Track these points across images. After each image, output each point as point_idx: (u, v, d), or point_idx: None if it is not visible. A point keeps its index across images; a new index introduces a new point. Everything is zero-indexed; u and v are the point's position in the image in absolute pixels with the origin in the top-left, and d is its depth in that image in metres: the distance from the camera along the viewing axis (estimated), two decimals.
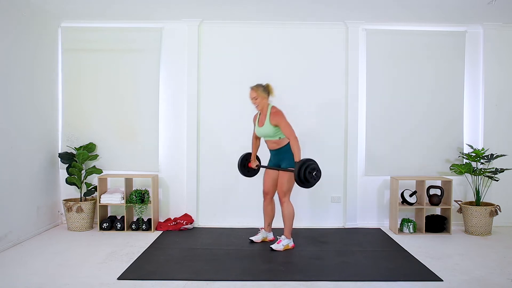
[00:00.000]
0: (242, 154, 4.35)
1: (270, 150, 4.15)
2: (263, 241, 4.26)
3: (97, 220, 4.74)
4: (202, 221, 5.00)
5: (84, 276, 3.26)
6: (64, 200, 4.72)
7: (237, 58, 4.98)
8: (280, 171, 4.02)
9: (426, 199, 4.74)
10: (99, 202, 4.69)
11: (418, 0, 4.23)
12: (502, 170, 4.64)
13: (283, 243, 3.99)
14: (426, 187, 4.75)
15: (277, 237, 4.18)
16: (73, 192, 4.96)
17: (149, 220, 4.76)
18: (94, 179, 4.96)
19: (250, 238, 4.27)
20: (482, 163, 4.77)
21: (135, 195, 4.69)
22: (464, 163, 4.87)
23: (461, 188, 5.01)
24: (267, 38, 4.98)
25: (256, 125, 4.14)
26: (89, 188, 4.82)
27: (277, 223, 4.36)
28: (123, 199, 4.73)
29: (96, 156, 4.94)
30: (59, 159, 4.81)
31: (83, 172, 4.81)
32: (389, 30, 4.97)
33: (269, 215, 4.27)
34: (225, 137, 4.98)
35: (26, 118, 4.33)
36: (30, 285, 3.09)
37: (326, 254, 3.89)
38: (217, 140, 4.99)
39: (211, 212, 5.00)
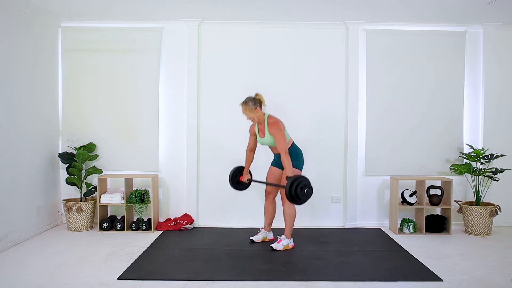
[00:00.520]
0: (233, 168, 4.34)
1: (274, 154, 4.18)
2: (263, 241, 4.27)
3: (97, 220, 4.74)
4: (202, 221, 5.00)
5: (84, 276, 3.26)
6: (64, 200, 4.72)
7: (237, 58, 4.98)
8: (284, 171, 4.02)
9: (426, 199, 4.74)
10: (99, 202, 4.69)
11: (418, 0, 4.23)
12: (502, 170, 4.64)
13: (283, 243, 3.99)
14: (426, 187, 4.75)
15: (277, 236, 4.18)
16: (73, 192, 4.96)
17: (149, 220, 4.76)
18: (94, 179, 4.96)
19: (251, 238, 4.27)
20: (482, 163, 4.77)
21: (135, 195, 4.69)
22: (464, 163, 4.87)
23: (461, 188, 5.01)
24: (267, 38, 4.98)
25: (257, 135, 4.13)
26: (89, 188, 4.82)
27: (278, 223, 4.36)
28: (123, 199, 4.73)
29: (96, 156, 4.94)
30: (59, 159, 4.81)
31: (83, 172, 4.81)
32: (389, 30, 4.97)
33: (270, 215, 4.27)
34: (225, 137, 4.98)
35: (26, 118, 4.33)
36: (30, 285, 3.09)
37: (326, 254, 3.89)
38: (217, 140, 4.99)
39: (211, 212, 5.00)
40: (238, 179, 4.32)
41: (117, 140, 4.97)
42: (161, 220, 4.94)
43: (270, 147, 4.16)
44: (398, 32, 4.98)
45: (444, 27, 4.99)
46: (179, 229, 4.70)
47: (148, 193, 4.77)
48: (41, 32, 4.62)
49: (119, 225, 4.65)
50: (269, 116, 4.02)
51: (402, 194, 4.80)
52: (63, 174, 4.89)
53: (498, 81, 5.00)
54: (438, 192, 4.88)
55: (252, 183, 4.36)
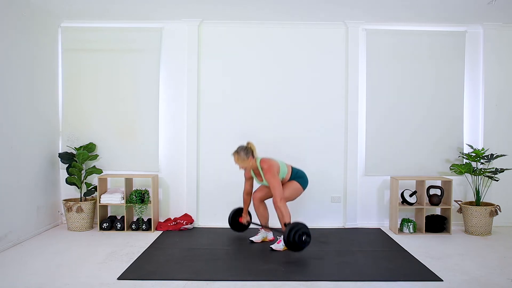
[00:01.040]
0: (232, 210, 4.46)
1: None
2: (263, 241, 4.27)
3: (97, 220, 4.74)
4: (202, 221, 5.00)
5: (84, 276, 3.26)
6: (64, 200, 4.72)
7: (237, 58, 4.98)
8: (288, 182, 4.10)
9: (426, 199, 4.74)
10: (99, 202, 4.69)
11: (418, 0, 4.23)
12: (502, 170, 4.64)
13: (283, 243, 3.99)
14: (426, 187, 4.75)
15: (277, 237, 4.18)
16: (73, 192, 4.96)
17: (149, 220, 4.76)
18: (94, 179, 4.96)
19: (250, 238, 4.27)
20: (482, 163, 4.77)
21: (135, 195, 4.69)
22: (464, 163, 4.87)
23: (461, 188, 5.02)
24: (267, 38, 4.98)
25: (255, 179, 4.19)
26: (89, 188, 4.82)
27: (277, 223, 4.36)
28: (123, 199, 4.73)
29: (96, 156, 4.94)
30: (59, 159, 4.81)
31: (83, 172, 4.81)
32: (389, 30, 4.97)
33: (262, 216, 4.28)
34: (225, 137, 4.97)
35: (26, 118, 4.33)
36: (30, 285, 3.09)
37: (326, 254, 3.89)
38: (217, 140, 4.99)
39: (211, 212, 5.00)
40: (238, 220, 4.44)
41: (117, 140, 4.97)
42: (161, 220, 4.94)
43: None
44: (398, 32, 4.98)
45: (444, 27, 4.99)
46: (179, 229, 4.70)
47: (148, 193, 4.77)
48: (41, 32, 4.62)
49: (119, 225, 4.65)
50: (262, 161, 4.01)
51: (402, 194, 4.80)
52: (63, 174, 4.89)
53: (498, 81, 5.00)
54: (438, 192, 4.88)
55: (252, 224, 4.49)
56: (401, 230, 4.73)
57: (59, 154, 4.76)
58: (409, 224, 4.68)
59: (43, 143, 4.67)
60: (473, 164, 4.86)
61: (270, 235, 4.33)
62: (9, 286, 3.09)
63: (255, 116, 4.96)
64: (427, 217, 4.73)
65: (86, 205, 4.66)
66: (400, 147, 4.98)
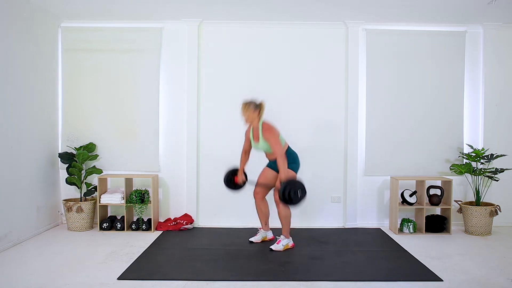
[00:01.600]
0: (228, 169, 4.35)
1: (269, 160, 4.17)
2: (263, 241, 4.27)
3: (97, 220, 4.74)
4: (202, 221, 5.00)
5: (84, 276, 3.26)
6: (64, 200, 4.72)
7: (237, 58, 4.98)
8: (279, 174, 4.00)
9: (426, 199, 4.74)
10: (99, 202, 4.69)
11: (418, 0, 4.23)
12: (502, 170, 4.64)
13: (282, 243, 3.99)
14: (426, 187, 4.75)
15: (277, 237, 4.18)
16: (73, 192, 4.96)
17: (149, 220, 4.76)
18: (94, 179, 4.96)
19: (250, 239, 4.27)
20: (482, 163, 4.77)
21: (135, 195, 4.69)
22: (464, 163, 4.87)
23: (461, 188, 5.02)
24: (267, 38, 4.98)
25: (252, 140, 4.14)
26: (89, 188, 4.82)
27: (276, 223, 4.36)
28: (123, 199, 4.73)
29: (96, 156, 4.94)
30: (59, 159, 4.81)
31: (83, 172, 4.81)
32: (389, 30, 4.97)
33: (263, 214, 4.26)
34: (225, 137, 4.97)
35: (26, 118, 4.33)
36: (30, 285, 3.09)
37: (326, 254, 3.89)
38: (217, 140, 4.99)
39: (211, 212, 5.00)
40: (233, 180, 4.34)
41: (117, 140, 4.97)
42: (161, 220, 4.94)
43: (266, 153, 4.14)
44: (398, 32, 4.98)
45: (444, 27, 4.99)
46: (179, 229, 4.70)
47: (148, 193, 4.77)
48: (41, 32, 4.62)
49: (119, 225, 4.65)
50: (263, 123, 4.01)
51: (402, 194, 4.80)
52: (63, 174, 4.89)
53: (498, 81, 5.00)
54: (438, 192, 4.88)
55: (247, 184, 4.38)
56: (401, 230, 4.73)
57: (59, 154, 4.76)
58: (409, 224, 4.68)
59: (43, 143, 4.67)
60: (473, 164, 4.86)
61: (269, 234, 4.33)
62: (9, 286, 3.09)
63: None
64: (427, 217, 4.73)
65: (86, 205, 4.66)
66: (400, 147, 4.98)
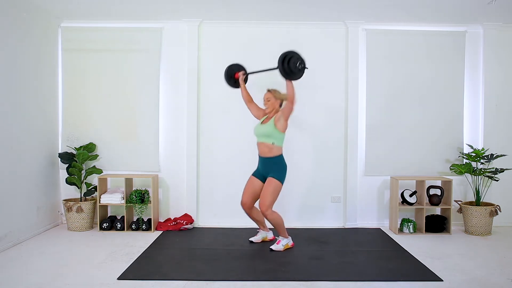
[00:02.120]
0: (228, 65, 4.35)
1: (259, 158, 4.09)
2: (263, 241, 4.27)
3: (97, 220, 4.74)
4: (202, 221, 5.00)
5: (84, 276, 3.26)
6: (64, 200, 4.72)
7: (237, 58, 4.96)
8: (266, 181, 3.96)
9: (426, 199, 4.74)
10: (99, 202, 4.69)
11: (418, 0, 4.23)
12: (502, 170, 4.64)
13: (282, 243, 3.99)
14: (426, 187, 4.75)
15: (276, 237, 4.17)
16: (73, 192, 4.96)
17: (149, 220, 4.76)
18: (94, 179, 4.96)
19: (250, 239, 4.27)
20: (482, 163, 4.77)
21: (135, 195, 4.69)
22: (464, 163, 4.87)
23: (461, 188, 5.02)
24: (267, 38, 4.98)
25: (259, 121, 4.14)
26: (89, 188, 4.82)
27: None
28: (123, 199, 4.73)
29: (96, 156, 4.94)
30: (59, 159, 4.81)
31: (83, 172, 4.81)
32: (389, 30, 4.97)
33: (256, 220, 4.24)
34: (225, 137, 4.98)
35: (26, 118, 4.33)
36: (30, 285, 3.09)
37: (326, 254, 3.89)
38: (217, 140, 4.99)
39: (211, 212, 5.00)
40: (234, 75, 4.33)
41: (117, 140, 4.97)
42: (161, 220, 4.94)
43: (259, 144, 4.05)
44: (398, 32, 4.98)
45: (444, 27, 4.99)
46: (179, 229, 4.70)
47: (148, 193, 4.77)
48: (41, 32, 4.62)
49: (119, 225, 4.65)
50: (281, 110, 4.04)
51: (402, 194, 4.80)
52: (63, 174, 4.89)
53: (498, 81, 5.00)
54: (438, 192, 4.88)
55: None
56: (401, 230, 4.73)
57: (59, 154, 4.76)
58: (409, 224, 4.68)
59: (43, 143, 4.67)
60: (473, 164, 4.86)
61: (270, 234, 4.33)
62: (9, 286, 3.09)
63: None
64: (427, 217, 4.73)
65: (86, 205, 4.66)
66: (400, 147, 4.98)
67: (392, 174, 4.97)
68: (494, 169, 4.66)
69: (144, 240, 4.33)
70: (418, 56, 4.98)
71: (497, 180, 4.70)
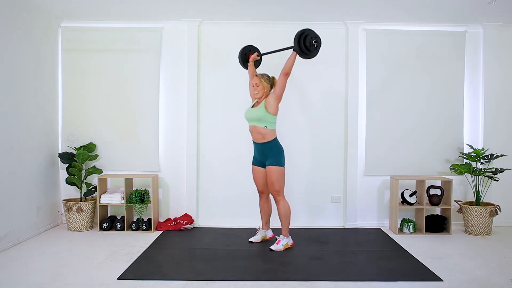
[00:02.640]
0: (242, 47, 4.41)
1: (254, 143, 4.07)
2: (262, 240, 4.27)
3: (97, 220, 4.74)
4: (202, 221, 5.00)
5: (84, 276, 3.26)
6: (64, 200, 4.72)
7: (237, 58, 4.97)
8: (267, 170, 3.98)
9: (426, 199, 4.74)
10: (99, 202, 4.69)
11: (418, 0, 4.23)
12: (502, 170, 4.64)
13: (282, 243, 3.99)
14: (426, 187, 4.75)
15: (276, 236, 4.17)
16: (73, 192, 4.96)
17: (149, 220, 4.76)
18: (94, 179, 4.96)
19: (250, 239, 4.26)
20: (482, 163, 4.77)
21: (135, 195, 4.69)
22: (464, 163, 4.87)
23: (461, 188, 5.02)
24: (267, 38, 4.97)
25: (249, 106, 4.14)
26: (89, 188, 4.82)
27: (275, 223, 4.36)
28: (123, 199, 4.73)
29: (96, 156, 4.94)
30: (59, 159, 4.81)
31: (83, 172, 4.82)
32: (389, 30, 4.97)
33: (266, 213, 4.27)
34: (225, 137, 4.98)
35: (26, 118, 4.33)
36: (30, 285, 3.09)
37: (326, 254, 3.89)
38: (217, 140, 4.99)
39: (211, 212, 5.00)
40: (248, 57, 4.42)
41: (117, 140, 4.97)
42: (161, 220, 4.94)
43: (251, 129, 4.03)
44: (398, 32, 4.98)
45: (444, 27, 4.99)
46: (179, 229, 4.70)
47: (148, 193, 4.78)
48: (41, 32, 4.62)
49: (119, 225, 4.65)
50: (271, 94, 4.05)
51: (402, 194, 4.80)
52: (63, 174, 4.89)
53: (498, 81, 5.00)
54: (438, 192, 4.88)
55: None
56: (401, 230, 4.73)
57: (59, 154, 4.76)
58: (409, 224, 4.68)
59: (43, 143, 4.67)
60: (473, 164, 4.86)
61: (269, 233, 4.33)
62: (9, 286, 3.09)
63: None
64: (427, 217, 4.73)
65: (86, 205, 4.66)
66: (400, 147, 4.98)
67: (392, 174, 4.97)
68: (494, 169, 4.66)
69: (144, 240, 4.33)
70: (418, 56, 4.98)
71: (497, 180, 4.70)
